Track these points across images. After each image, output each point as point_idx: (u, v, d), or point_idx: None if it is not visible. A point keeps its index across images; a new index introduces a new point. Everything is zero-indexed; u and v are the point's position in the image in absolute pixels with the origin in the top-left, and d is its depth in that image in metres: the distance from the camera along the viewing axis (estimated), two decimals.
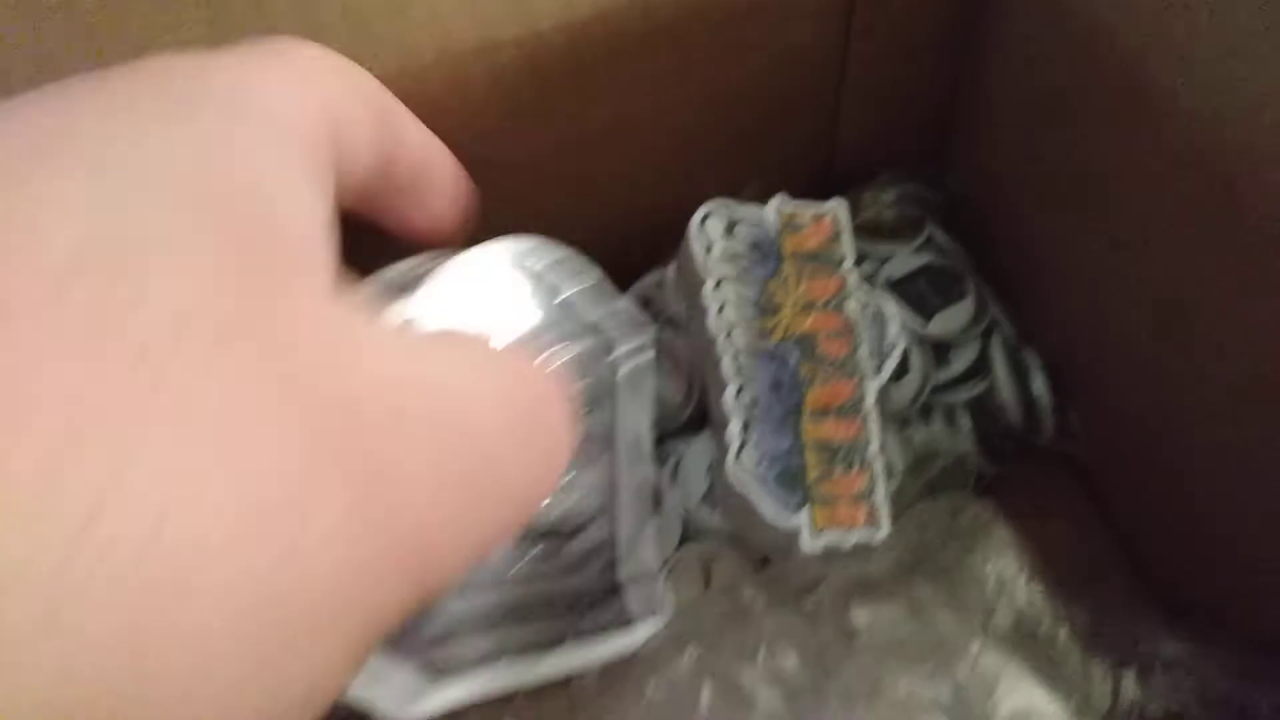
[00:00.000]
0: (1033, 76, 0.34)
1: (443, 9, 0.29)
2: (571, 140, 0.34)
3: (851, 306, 0.32)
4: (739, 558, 0.34)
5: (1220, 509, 0.34)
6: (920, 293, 0.38)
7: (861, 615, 0.28)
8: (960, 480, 0.37)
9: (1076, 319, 0.38)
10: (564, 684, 0.29)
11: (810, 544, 0.30)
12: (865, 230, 0.39)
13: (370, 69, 0.29)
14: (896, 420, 0.37)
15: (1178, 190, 0.30)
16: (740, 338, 0.31)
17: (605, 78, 0.32)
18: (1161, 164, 0.30)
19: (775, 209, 0.33)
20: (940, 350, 0.38)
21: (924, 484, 0.36)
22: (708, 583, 0.34)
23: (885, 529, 0.30)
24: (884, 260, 0.39)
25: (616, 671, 0.28)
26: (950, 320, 0.37)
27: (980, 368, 0.38)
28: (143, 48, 0.28)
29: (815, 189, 0.42)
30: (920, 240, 0.39)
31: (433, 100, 0.30)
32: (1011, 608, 0.27)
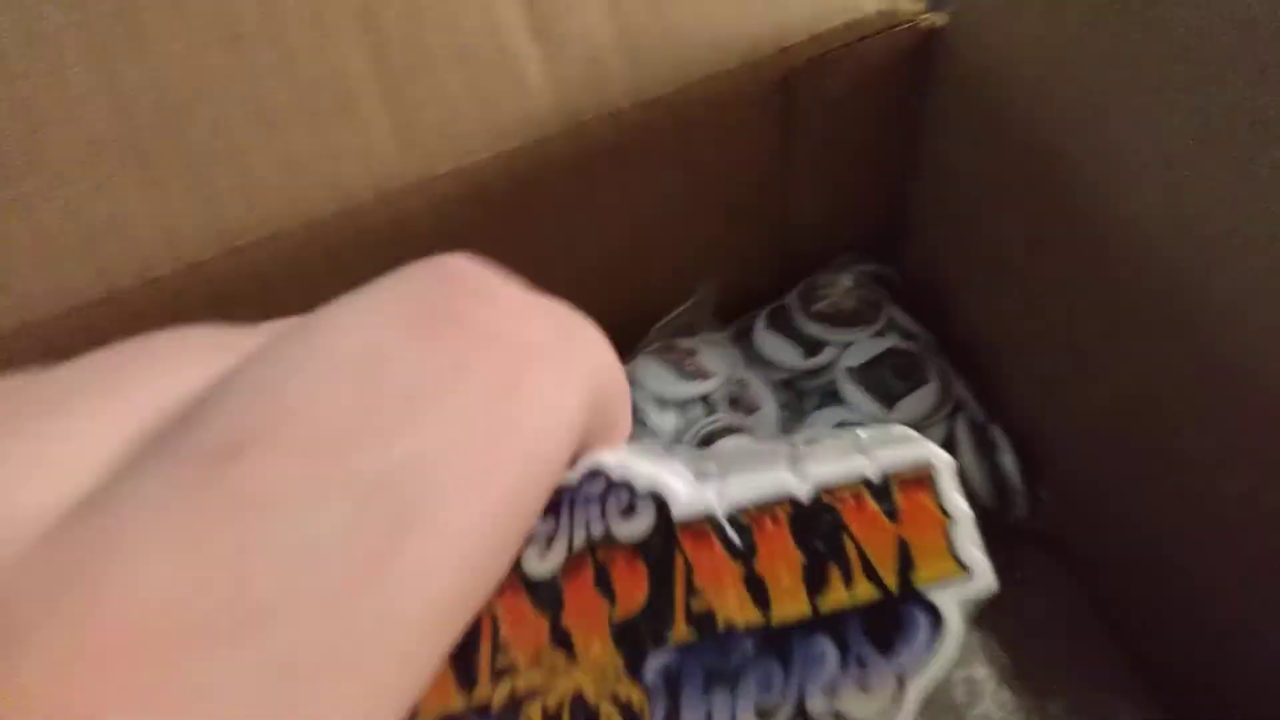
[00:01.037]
0: (966, 165, 0.34)
1: (377, 148, 0.29)
2: (520, 260, 0.34)
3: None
4: None
5: (1194, 579, 0.34)
6: (883, 378, 0.38)
7: None
8: None
9: (1042, 397, 0.37)
10: None
11: None
12: (824, 317, 0.39)
13: (308, 212, 0.29)
14: None
15: (1126, 287, 0.30)
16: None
17: (545, 201, 0.32)
18: (1109, 264, 0.30)
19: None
20: None
21: None
22: None
23: None
24: (845, 346, 0.39)
25: None
26: (914, 406, 0.37)
27: (947, 450, 0.38)
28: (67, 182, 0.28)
29: (771, 280, 0.42)
30: (881, 323, 0.39)
31: (374, 237, 0.30)
32: (981, 713, 0.27)
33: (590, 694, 0.14)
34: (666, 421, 0.37)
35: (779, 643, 0.15)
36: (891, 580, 0.15)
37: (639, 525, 0.15)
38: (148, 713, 0.08)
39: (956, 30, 0.32)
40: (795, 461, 0.15)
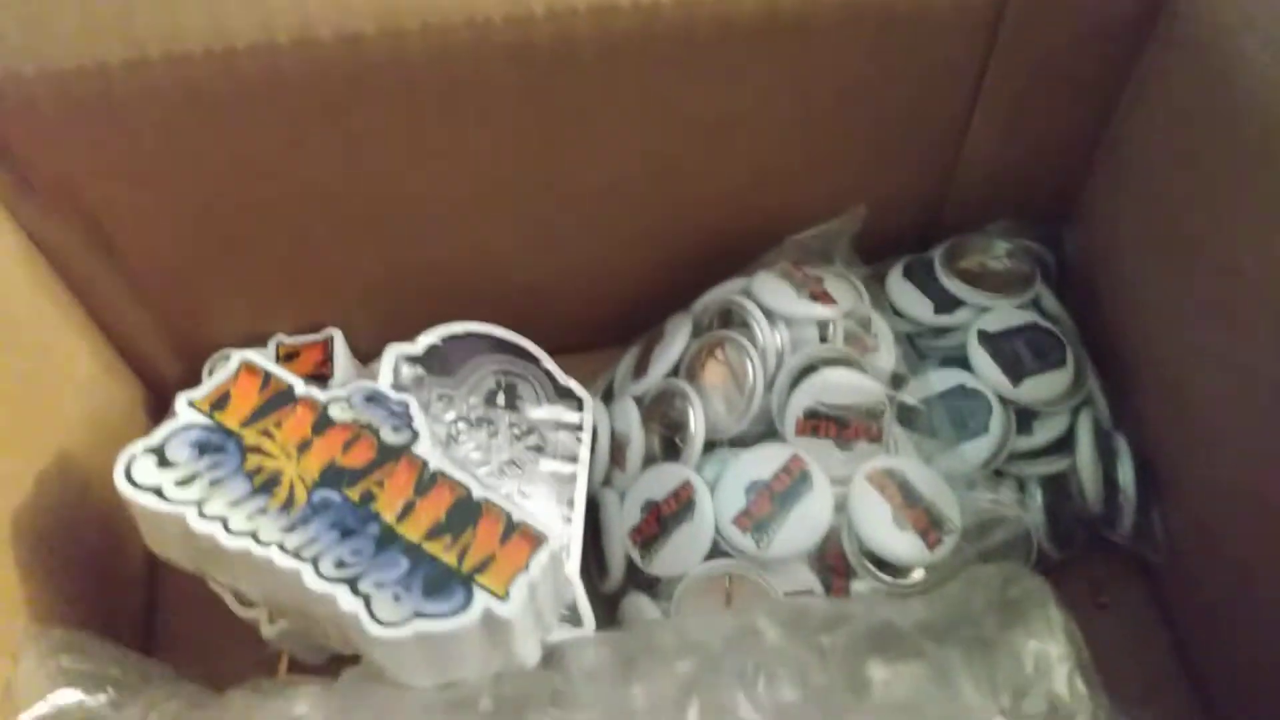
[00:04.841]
0: (1179, 143, 0.32)
1: None
2: (695, 112, 0.33)
3: (338, 413, 0.29)
4: (760, 582, 0.32)
5: None
6: (1015, 351, 0.35)
7: (878, 669, 0.25)
8: (1020, 557, 0.34)
9: (1179, 414, 0.34)
10: (548, 671, 0.27)
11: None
12: (968, 276, 0.37)
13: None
14: (963, 481, 0.34)
15: None
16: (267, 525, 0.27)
17: (739, 53, 0.30)
18: None
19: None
20: (1024, 418, 0.35)
21: (979, 552, 0.33)
22: (728, 600, 0.32)
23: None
24: (982, 311, 0.36)
25: (604, 670, 0.26)
26: (1042, 387, 0.35)
27: (1064, 444, 0.35)
28: None
29: (917, 229, 0.39)
30: (1026, 298, 0.37)
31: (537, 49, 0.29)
32: (1047, 693, 0.25)
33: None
34: (773, 339, 0.35)
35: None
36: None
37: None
38: None
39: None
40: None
